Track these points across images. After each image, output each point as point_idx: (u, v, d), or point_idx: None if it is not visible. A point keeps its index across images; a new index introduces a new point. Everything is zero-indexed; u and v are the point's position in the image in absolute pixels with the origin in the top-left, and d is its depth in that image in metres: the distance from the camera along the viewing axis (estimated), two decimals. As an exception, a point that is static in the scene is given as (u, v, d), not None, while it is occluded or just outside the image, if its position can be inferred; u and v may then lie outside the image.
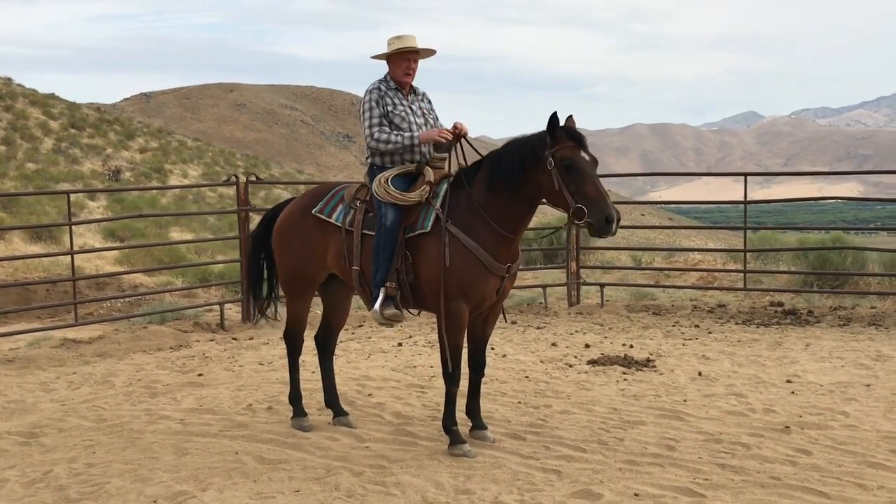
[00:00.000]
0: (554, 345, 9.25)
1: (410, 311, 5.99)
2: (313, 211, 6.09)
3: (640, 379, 7.66)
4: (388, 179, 5.74)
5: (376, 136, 5.83)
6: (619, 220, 5.16)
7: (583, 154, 5.26)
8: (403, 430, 6.13)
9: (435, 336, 9.66)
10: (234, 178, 11.08)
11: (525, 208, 5.54)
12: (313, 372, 7.59)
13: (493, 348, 9.00)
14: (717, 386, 7.36)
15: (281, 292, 6.61)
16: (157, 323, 10.45)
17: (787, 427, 6.09)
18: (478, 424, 5.96)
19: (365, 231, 5.83)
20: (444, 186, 5.73)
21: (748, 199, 11.35)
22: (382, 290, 5.68)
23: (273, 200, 35.76)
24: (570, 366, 8.28)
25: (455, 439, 5.67)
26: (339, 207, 6.02)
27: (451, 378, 5.69)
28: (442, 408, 5.86)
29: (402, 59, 5.96)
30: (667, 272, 13.68)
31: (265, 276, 6.72)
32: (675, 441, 5.81)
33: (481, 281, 5.52)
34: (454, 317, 5.55)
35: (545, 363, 8.39)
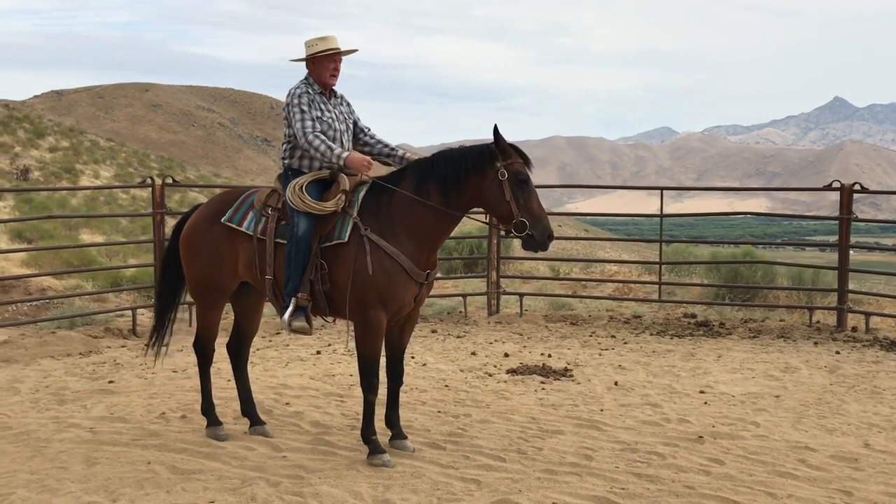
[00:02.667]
0: (474, 354, 9.28)
1: (326, 319, 5.93)
2: (222, 220, 5.95)
3: (558, 388, 7.74)
4: (302, 187, 5.65)
5: (310, 138, 5.70)
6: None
7: (529, 172, 5.47)
8: (322, 440, 6.05)
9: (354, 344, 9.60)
10: (149, 180, 10.81)
11: (453, 217, 5.55)
12: (229, 380, 7.45)
13: (413, 357, 8.98)
14: (632, 396, 7.48)
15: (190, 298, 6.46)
16: (66, 328, 10.10)
17: (701, 437, 6.22)
18: (397, 434, 5.92)
19: (278, 240, 5.72)
20: (361, 194, 5.67)
21: (663, 212, 11.60)
22: (293, 300, 5.59)
23: (189, 203, 35.08)
24: (490, 375, 8.31)
25: (374, 449, 5.62)
26: (250, 215, 5.88)
27: (369, 387, 5.65)
28: (361, 417, 5.80)
29: (328, 61, 5.88)
30: (584, 283, 13.87)
31: (174, 298, 6.52)
32: (593, 450, 5.87)
33: (402, 287, 5.49)
34: (372, 325, 5.50)
35: (465, 372, 8.40)
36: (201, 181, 47.05)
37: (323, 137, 5.73)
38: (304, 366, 8.65)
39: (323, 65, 5.88)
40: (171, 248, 6.43)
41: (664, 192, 12.03)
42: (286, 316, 5.62)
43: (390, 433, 5.93)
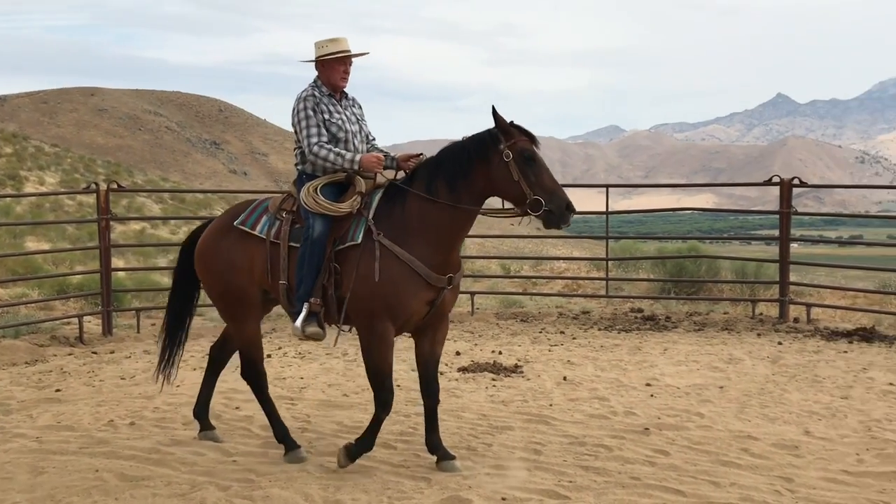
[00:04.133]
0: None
1: (342, 328, 5.60)
2: (235, 223, 5.77)
3: (509, 385, 7.82)
4: (317, 188, 5.48)
5: (315, 150, 5.56)
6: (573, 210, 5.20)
7: (536, 148, 5.28)
8: (273, 444, 6.04)
9: (306, 347, 9.58)
10: (94, 186, 10.67)
11: (467, 212, 5.35)
12: (178, 386, 7.43)
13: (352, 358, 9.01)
14: (581, 390, 7.60)
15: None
16: (11, 337, 9.93)
17: (647, 429, 6.34)
18: (444, 455, 5.53)
19: (292, 243, 5.54)
20: (377, 197, 5.50)
21: (610, 209, 11.77)
22: (306, 305, 5.40)
23: (136, 209, 34.65)
24: (441, 374, 8.34)
25: (349, 461, 5.44)
26: (263, 219, 5.71)
27: (381, 403, 5.39)
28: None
29: (338, 63, 5.72)
30: (534, 280, 14.01)
31: (183, 319, 6.31)
32: (542, 445, 5.96)
33: (412, 296, 5.27)
34: (377, 335, 5.31)
35: (416, 371, 8.41)
36: (149, 185, 46.42)
37: (329, 147, 5.57)
38: (255, 369, 8.61)
39: (333, 67, 5.73)
40: (181, 269, 6.23)
41: (611, 189, 12.20)
42: (299, 322, 5.41)
43: (434, 456, 5.57)
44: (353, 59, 5.84)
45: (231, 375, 8.30)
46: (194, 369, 8.63)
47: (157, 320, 11.61)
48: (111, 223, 10.69)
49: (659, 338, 10.09)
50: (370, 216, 5.37)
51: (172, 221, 30.62)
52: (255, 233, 5.69)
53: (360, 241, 5.32)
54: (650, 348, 9.45)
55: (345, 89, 5.85)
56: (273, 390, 7.61)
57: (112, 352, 9.65)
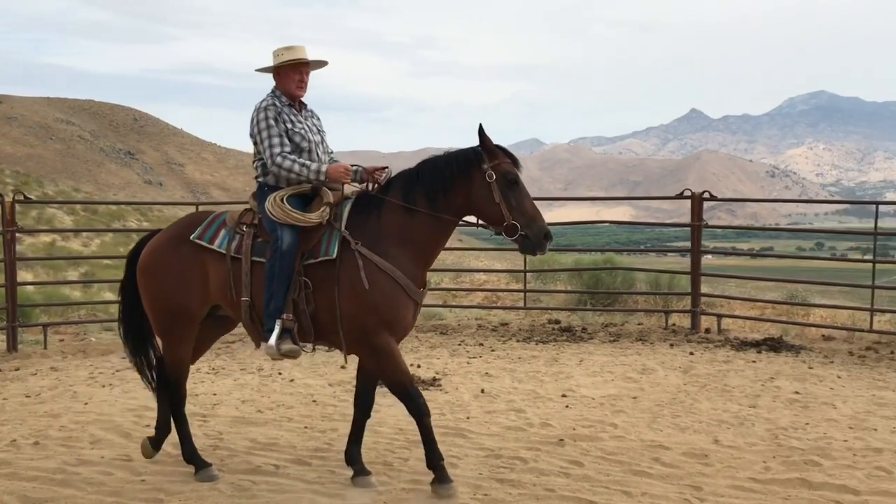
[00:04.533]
0: (343, 367, 9.22)
1: (320, 346, 5.46)
2: (191, 237, 5.50)
3: (427, 398, 7.70)
4: (283, 198, 5.29)
5: (279, 161, 5.35)
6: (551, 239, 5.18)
7: (518, 172, 5.22)
8: (183, 462, 5.91)
9: (220, 363, 9.41)
10: (-1, 197, 10.30)
11: (445, 226, 5.28)
12: (85, 404, 7.22)
13: (280, 373, 8.88)
14: (498, 402, 7.63)
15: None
16: None
17: (562, 440, 6.41)
18: (361, 470, 5.49)
19: (255, 258, 5.34)
20: (346, 208, 5.33)
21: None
22: (279, 322, 5.18)
23: (47, 221, 33.58)
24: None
25: (442, 478, 5.21)
26: (222, 233, 5.47)
27: (418, 411, 5.20)
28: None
29: (294, 72, 5.57)
30: (454, 292, 14.05)
31: (143, 332, 5.95)
32: (458, 458, 5.96)
33: (404, 307, 5.16)
34: (385, 352, 5.12)
35: (333, 386, 8.37)
36: (60, 196, 45.10)
37: (293, 157, 5.39)
38: (167, 385, 8.41)
39: (288, 75, 5.57)
40: (128, 281, 5.88)
41: (537, 201, 12.33)
42: (273, 340, 5.15)
43: (352, 470, 5.51)
44: (311, 70, 5.68)
45: (142, 392, 8.11)
46: (103, 386, 8.39)
47: (65, 336, 11.27)
48: (18, 235, 10.32)
49: (575, 349, 10.21)
50: (342, 227, 5.22)
51: (84, 234, 29.78)
52: (214, 247, 5.44)
53: (335, 254, 5.15)
54: (567, 359, 9.56)
55: (302, 100, 5.70)
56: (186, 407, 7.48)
57: (17, 369, 9.31)
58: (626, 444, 6.33)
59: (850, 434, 6.65)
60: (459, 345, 10.56)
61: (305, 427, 6.85)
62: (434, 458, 5.23)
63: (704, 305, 11.59)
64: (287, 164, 5.37)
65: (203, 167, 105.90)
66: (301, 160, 5.39)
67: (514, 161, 5.22)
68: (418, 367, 9.18)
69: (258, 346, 5.47)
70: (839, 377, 8.74)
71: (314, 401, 7.77)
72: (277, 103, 5.52)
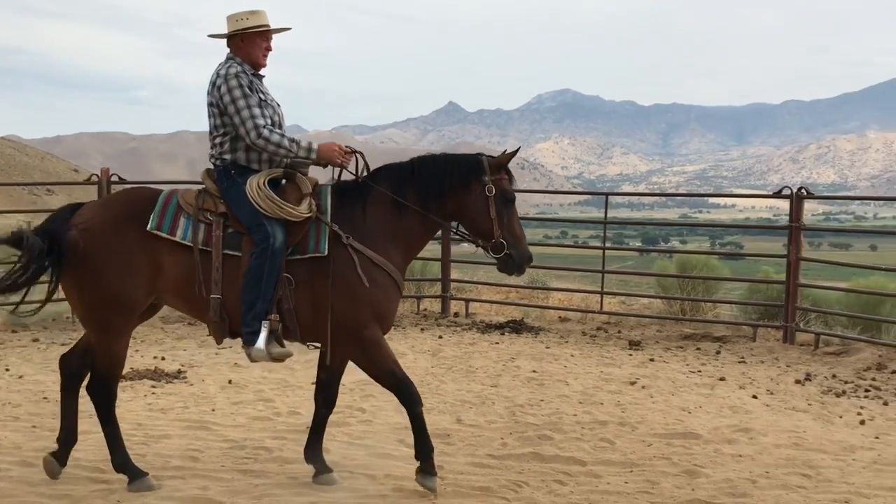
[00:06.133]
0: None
1: (310, 345, 5.10)
2: (148, 227, 4.85)
3: (170, 391, 7.52)
4: (264, 184, 4.82)
5: (265, 134, 4.85)
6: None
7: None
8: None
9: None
10: None
11: (431, 227, 5.14)
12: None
13: (7, 369, 8.23)
14: (246, 392, 7.49)
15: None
16: None
17: (308, 428, 6.37)
18: (322, 468, 5.26)
19: (227, 251, 4.85)
20: (328, 197, 4.97)
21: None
22: (266, 323, 4.78)
23: None
24: (96, 383, 7.85)
25: (428, 469, 5.02)
26: (182, 221, 4.89)
27: (410, 400, 4.97)
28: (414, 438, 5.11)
29: (262, 39, 5.09)
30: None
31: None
32: (200, 451, 5.79)
33: (394, 301, 5.01)
34: (374, 343, 4.89)
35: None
36: None
37: (280, 132, 4.94)
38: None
39: (255, 42, 5.07)
40: (40, 254, 4.85)
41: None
42: (261, 342, 4.78)
43: (313, 469, 5.25)
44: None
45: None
46: None
47: None
48: None
49: (328, 336, 10.22)
50: (328, 219, 4.88)
51: None
52: (177, 239, 4.87)
53: (325, 251, 4.82)
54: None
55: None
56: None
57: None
58: (373, 428, 6.43)
59: (579, 409, 7.14)
60: (208, 335, 10.21)
61: (34, 426, 6.39)
62: (424, 450, 5.02)
63: (454, 291, 12.00)
64: (275, 138, 4.88)
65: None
66: (289, 136, 4.95)
67: (512, 180, 5.14)
68: (162, 359, 8.84)
69: (220, 342, 5.15)
70: (572, 356, 9.35)
71: (45, 398, 7.26)
72: (246, 71, 5.01)
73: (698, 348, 9.96)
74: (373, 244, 4.89)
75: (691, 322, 11.22)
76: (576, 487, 5.31)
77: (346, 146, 5.09)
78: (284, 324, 4.88)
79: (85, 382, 5.24)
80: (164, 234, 4.87)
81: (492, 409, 7.06)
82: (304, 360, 8.77)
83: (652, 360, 9.30)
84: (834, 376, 8.59)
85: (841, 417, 7.11)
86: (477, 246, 5.15)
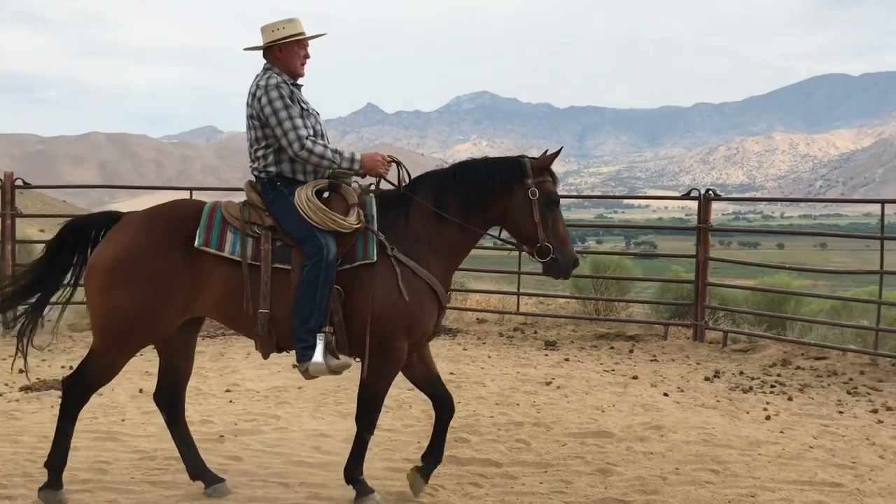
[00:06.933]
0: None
1: (356, 358, 4.90)
2: (196, 244, 4.70)
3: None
4: (312, 195, 4.75)
5: (309, 146, 4.76)
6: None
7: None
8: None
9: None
10: None
11: (475, 234, 5.03)
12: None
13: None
14: (157, 402, 7.31)
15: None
16: None
17: (222, 436, 6.30)
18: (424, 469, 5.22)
19: (276, 265, 4.73)
20: (373, 207, 4.88)
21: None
22: (321, 336, 4.67)
23: None
24: (0, 394, 7.58)
25: (363, 490, 4.99)
26: (230, 236, 4.75)
27: (368, 424, 4.97)
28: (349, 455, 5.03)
29: (300, 48, 5.00)
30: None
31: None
32: (108, 463, 5.66)
33: (430, 314, 4.89)
34: (395, 356, 4.81)
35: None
36: None
37: (323, 143, 4.86)
38: None
39: (293, 51, 4.98)
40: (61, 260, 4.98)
41: (210, 191, 11.97)
42: (318, 356, 4.65)
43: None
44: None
45: None
46: None
47: None
48: None
49: (243, 342, 10.05)
50: (376, 228, 4.82)
51: None
52: (225, 254, 4.73)
53: (374, 258, 4.74)
54: (233, 353, 9.41)
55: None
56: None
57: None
58: (288, 436, 6.36)
59: (496, 410, 7.20)
60: (256, 349, 9.99)
61: None
62: (353, 471, 5.01)
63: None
64: (319, 149, 4.80)
65: None
66: (332, 146, 4.86)
67: (556, 181, 5.04)
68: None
69: (266, 357, 5.00)
70: (489, 357, 9.43)
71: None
72: (286, 82, 4.92)
73: (612, 347, 10.15)
74: (415, 255, 4.85)
75: (605, 321, 11.43)
76: (491, 489, 5.35)
77: (389, 155, 5.05)
78: (337, 336, 4.80)
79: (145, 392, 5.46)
80: (212, 250, 4.76)
81: (409, 413, 7.06)
82: (218, 368, 8.67)
83: (567, 359, 9.43)
84: (741, 373, 8.85)
85: (748, 413, 7.33)
86: (521, 251, 5.10)
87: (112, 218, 5.00)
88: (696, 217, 10.54)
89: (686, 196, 10.66)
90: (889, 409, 7.47)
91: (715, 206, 10.55)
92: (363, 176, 5.03)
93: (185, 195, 11.85)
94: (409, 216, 4.93)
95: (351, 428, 6.47)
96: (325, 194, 4.91)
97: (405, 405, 7.27)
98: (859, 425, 6.96)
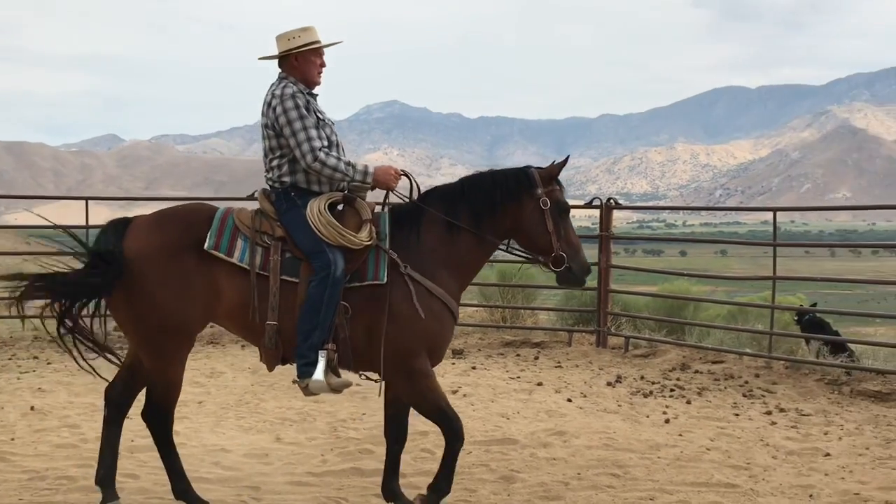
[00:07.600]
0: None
1: (362, 375, 4.85)
2: (206, 246, 4.60)
3: (-37, 422, 6.98)
4: (325, 209, 4.65)
5: (322, 157, 4.67)
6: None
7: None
8: None
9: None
10: None
11: (486, 248, 4.93)
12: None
13: None
14: (50, 419, 7.07)
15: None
16: None
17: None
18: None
19: (284, 277, 4.61)
20: (385, 223, 4.77)
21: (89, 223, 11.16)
22: (323, 353, 4.56)
23: None
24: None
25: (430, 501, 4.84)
26: (240, 243, 4.65)
27: (454, 433, 4.74)
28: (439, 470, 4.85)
29: (316, 56, 4.92)
30: (8, 302, 12.75)
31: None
32: (-5, 486, 5.41)
33: (448, 331, 4.82)
34: (424, 374, 4.68)
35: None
36: None
37: (336, 155, 4.75)
38: None
39: (309, 60, 4.90)
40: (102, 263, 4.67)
41: (110, 202, 11.61)
42: (318, 374, 4.55)
43: None
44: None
45: None
46: None
47: None
48: None
49: (143, 356, 9.80)
50: (387, 247, 4.71)
51: None
52: (234, 261, 4.63)
53: (385, 279, 4.63)
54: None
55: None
56: None
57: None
58: (187, 451, 6.17)
59: (401, 420, 7.15)
60: (10, 359, 9.61)
61: None
62: (443, 486, 4.84)
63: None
64: (332, 161, 4.71)
65: None
66: (345, 158, 4.79)
67: (562, 188, 4.99)
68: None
69: (271, 370, 4.93)
70: (396, 367, 9.37)
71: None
72: (303, 91, 4.84)
73: (518, 355, 10.24)
74: (429, 272, 4.75)
75: (512, 329, 11.53)
76: (395, 500, 5.31)
77: (401, 169, 4.96)
78: (339, 353, 4.70)
79: (134, 411, 5.24)
80: (221, 255, 4.66)
81: (313, 426, 6.97)
82: (115, 383, 8.38)
83: (474, 368, 9.47)
84: (642, 377, 9.04)
85: (648, 417, 7.48)
86: (533, 263, 5.09)
87: (124, 223, 4.83)
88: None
89: (589, 205, 10.84)
90: (782, 410, 7.73)
91: (620, 214, 10.76)
92: (371, 189, 4.95)
93: (82, 205, 11.48)
94: (420, 231, 4.85)
95: (254, 442, 6.41)
96: (339, 207, 4.83)
97: (309, 418, 7.18)
98: (754, 427, 7.18)
